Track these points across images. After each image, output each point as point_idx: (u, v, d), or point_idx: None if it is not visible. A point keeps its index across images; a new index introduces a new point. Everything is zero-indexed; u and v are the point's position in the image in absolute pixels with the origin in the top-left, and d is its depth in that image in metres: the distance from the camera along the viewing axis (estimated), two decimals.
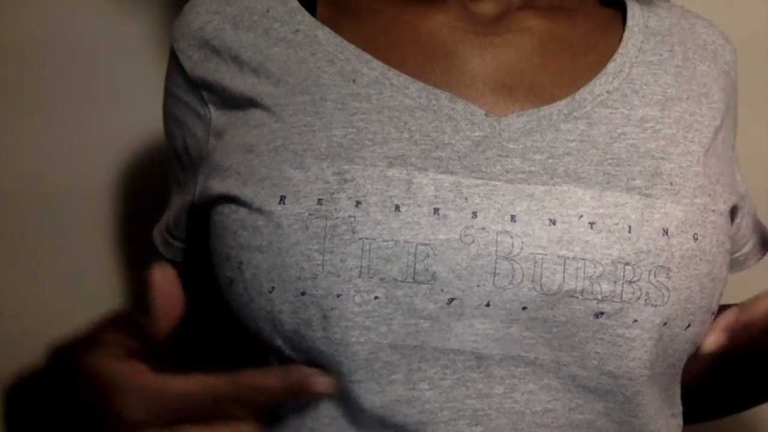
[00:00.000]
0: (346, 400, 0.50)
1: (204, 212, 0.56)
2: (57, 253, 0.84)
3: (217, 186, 0.54)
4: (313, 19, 0.58)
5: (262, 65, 0.56)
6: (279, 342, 0.51)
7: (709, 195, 0.54)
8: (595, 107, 0.54)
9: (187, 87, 0.59)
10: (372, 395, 0.49)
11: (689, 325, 0.52)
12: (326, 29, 0.57)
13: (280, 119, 0.54)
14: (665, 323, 0.51)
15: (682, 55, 0.60)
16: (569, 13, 0.60)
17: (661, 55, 0.59)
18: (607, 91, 0.56)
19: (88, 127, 0.83)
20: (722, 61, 0.61)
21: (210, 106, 0.57)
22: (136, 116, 0.81)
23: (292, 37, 0.57)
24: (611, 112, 0.55)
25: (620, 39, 0.59)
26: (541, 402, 0.50)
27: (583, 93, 0.55)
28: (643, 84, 0.57)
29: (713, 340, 0.52)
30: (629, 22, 0.60)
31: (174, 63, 0.60)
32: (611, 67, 0.57)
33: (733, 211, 0.59)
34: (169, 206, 0.63)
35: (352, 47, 0.56)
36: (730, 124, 0.62)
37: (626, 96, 0.56)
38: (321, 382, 0.45)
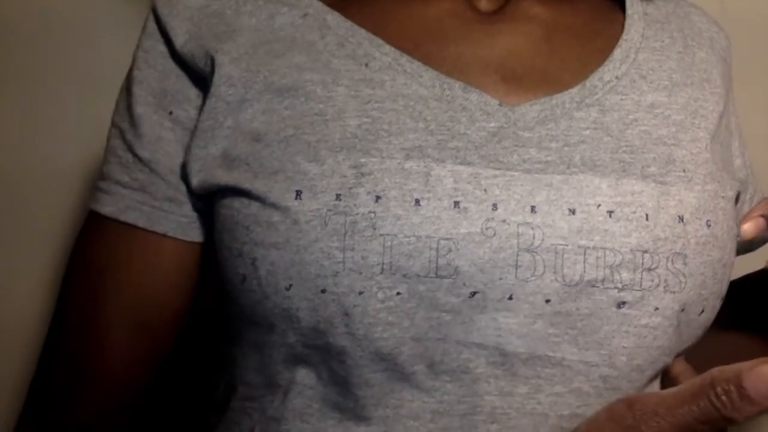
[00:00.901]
0: (367, 387, 0.50)
1: (206, 203, 0.55)
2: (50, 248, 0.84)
3: (224, 176, 0.52)
4: (321, 3, 0.57)
5: (269, 44, 0.54)
6: (293, 339, 0.51)
7: (718, 181, 0.55)
8: (606, 94, 0.55)
9: (181, 59, 0.56)
10: (393, 384, 0.50)
11: (702, 311, 0.53)
12: (336, 13, 0.56)
13: (290, 106, 0.52)
14: (683, 309, 0.52)
15: (682, 41, 0.60)
16: (571, 2, 0.60)
17: (663, 41, 0.59)
18: (617, 77, 0.56)
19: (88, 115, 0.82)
20: (719, 48, 0.62)
21: (205, 81, 0.55)
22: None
23: (301, 21, 0.56)
24: (622, 99, 0.55)
25: (622, 26, 0.59)
26: (570, 406, 0.50)
27: (593, 80, 0.55)
28: (649, 69, 0.57)
29: (752, 226, 0.54)
30: (629, 10, 0.60)
31: (160, 37, 0.57)
32: (618, 53, 0.57)
33: (736, 197, 0.60)
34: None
35: (362, 31, 0.55)
36: (730, 110, 0.63)
37: (635, 81, 0.56)
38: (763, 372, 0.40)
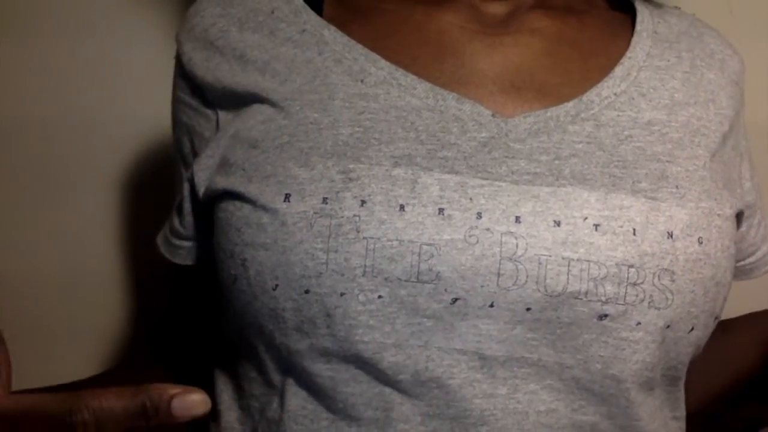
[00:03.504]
0: (351, 393, 0.50)
1: (209, 209, 0.56)
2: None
3: (222, 181, 0.54)
4: (319, 18, 0.58)
5: (268, 65, 0.56)
6: (282, 339, 0.51)
7: (715, 199, 0.54)
8: (602, 109, 0.54)
9: (191, 90, 0.59)
10: (379, 390, 0.50)
11: (692, 329, 0.52)
12: (332, 28, 0.57)
13: (288, 115, 0.54)
14: (668, 326, 0.51)
15: (689, 62, 0.60)
16: (579, 15, 0.60)
17: (668, 60, 0.59)
18: (615, 94, 0.56)
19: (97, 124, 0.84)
20: (730, 71, 0.61)
21: (215, 106, 0.58)
22: (142, 114, 0.82)
23: (299, 36, 0.57)
24: (618, 115, 0.55)
25: (629, 43, 0.59)
26: (545, 402, 0.51)
27: (591, 95, 0.55)
28: (650, 88, 0.57)
29: None
30: (638, 27, 0.60)
31: (178, 68, 0.60)
32: (619, 70, 0.57)
33: (738, 218, 0.59)
34: (174, 210, 0.62)
35: (359, 46, 0.56)
36: (740, 132, 0.62)
37: (633, 99, 0.56)
38: (188, 401, 0.38)
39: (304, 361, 0.51)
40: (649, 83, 0.57)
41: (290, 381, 0.53)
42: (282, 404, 0.53)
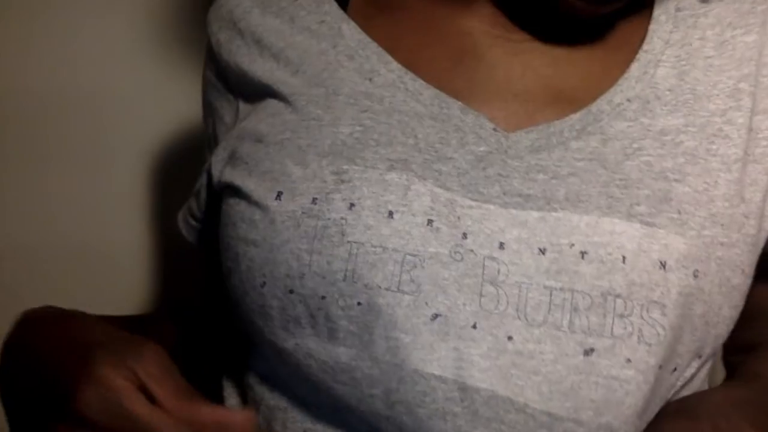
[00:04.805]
0: (333, 397, 0.50)
1: (220, 200, 0.57)
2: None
3: (229, 174, 0.55)
4: (340, 11, 0.57)
5: (282, 52, 0.56)
6: (272, 337, 0.51)
7: (722, 225, 0.50)
8: (612, 120, 0.51)
9: (217, 71, 0.60)
10: (355, 401, 0.49)
11: (675, 369, 0.50)
12: (351, 23, 0.56)
13: (294, 110, 0.54)
14: (660, 366, 0.48)
15: (716, 38, 0.54)
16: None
17: (691, 44, 0.54)
18: (628, 99, 0.52)
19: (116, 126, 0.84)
20: None
21: (236, 94, 0.58)
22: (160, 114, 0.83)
23: (317, 27, 0.57)
24: (629, 126, 0.51)
25: (647, 29, 0.55)
26: None
27: (602, 103, 0.52)
28: (667, 89, 0.53)
29: None
30: (656, 11, 0.56)
31: (209, 47, 0.61)
32: (635, 68, 0.53)
33: None
34: (193, 194, 0.63)
35: (374, 45, 0.55)
36: None
37: (648, 103, 0.52)
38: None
39: (290, 360, 0.51)
40: (666, 82, 0.53)
41: (281, 374, 0.53)
42: (282, 393, 0.54)
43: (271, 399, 0.54)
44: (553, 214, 0.49)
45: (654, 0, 0.56)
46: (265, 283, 0.50)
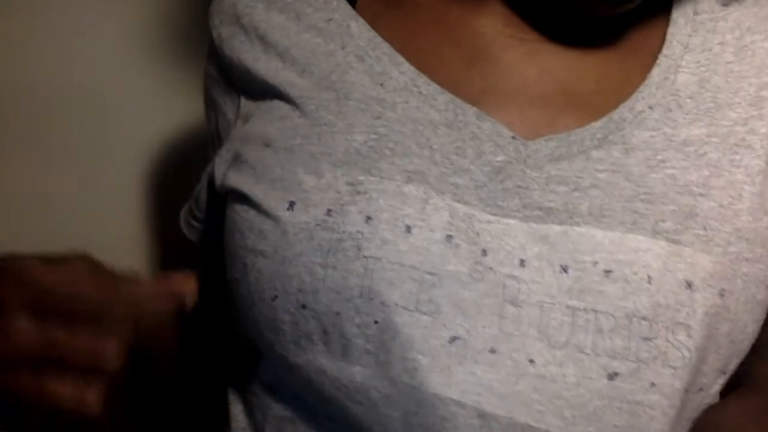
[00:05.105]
0: (346, 414, 0.48)
1: (223, 204, 0.55)
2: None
3: (234, 178, 0.53)
4: (349, 7, 0.55)
5: (288, 51, 0.54)
6: (282, 351, 0.50)
7: (747, 239, 0.49)
8: (634, 129, 0.49)
9: (219, 67, 0.58)
10: (370, 421, 0.47)
11: (701, 389, 0.48)
12: (361, 21, 0.54)
13: (303, 114, 0.51)
14: (686, 389, 0.46)
15: (736, 42, 0.53)
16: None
17: (711, 50, 0.52)
18: (650, 107, 0.50)
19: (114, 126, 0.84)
20: None
21: (239, 91, 0.56)
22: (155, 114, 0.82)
23: (324, 25, 0.54)
24: (651, 135, 0.49)
25: (665, 32, 0.53)
26: None
27: (623, 111, 0.50)
28: (688, 96, 0.51)
29: None
30: (674, 13, 0.54)
31: (211, 41, 0.58)
32: (656, 74, 0.51)
33: None
34: (193, 195, 0.62)
35: (385, 45, 0.53)
36: None
37: (670, 111, 0.50)
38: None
39: (301, 374, 0.49)
40: (687, 89, 0.51)
41: (291, 385, 0.51)
42: (292, 402, 0.52)
43: (279, 409, 0.53)
44: (576, 228, 0.47)
45: (670, 1, 0.54)
46: (276, 296, 0.48)
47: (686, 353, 0.46)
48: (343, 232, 0.47)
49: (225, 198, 0.55)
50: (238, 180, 0.52)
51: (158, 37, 0.82)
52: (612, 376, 0.45)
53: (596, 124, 0.50)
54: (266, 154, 0.51)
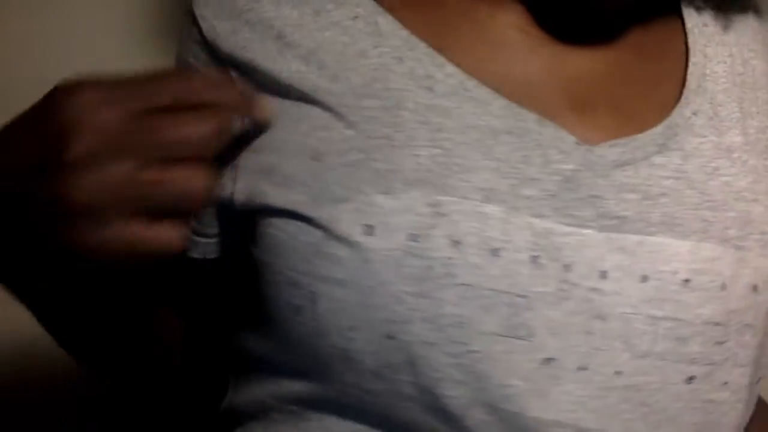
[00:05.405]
0: None
1: (247, 214, 0.49)
2: None
3: (277, 196, 0.47)
4: (373, 2, 0.50)
5: (313, 54, 0.49)
6: (354, 380, 0.47)
7: None
8: (686, 135, 0.50)
9: (210, 61, 0.51)
10: None
11: (759, 380, 0.51)
12: (389, 17, 0.49)
13: (351, 125, 0.47)
14: (750, 383, 0.49)
15: (740, 56, 0.54)
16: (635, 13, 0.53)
17: (725, 62, 0.53)
18: (694, 113, 0.51)
19: None
20: None
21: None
22: None
23: (350, 23, 0.49)
24: (701, 142, 0.50)
25: (683, 41, 0.53)
26: None
27: (675, 117, 0.50)
28: (718, 104, 0.52)
29: None
30: (688, 24, 0.54)
31: (193, 32, 0.52)
32: (692, 81, 0.51)
33: None
34: None
35: (422, 44, 0.49)
36: None
37: (711, 119, 0.51)
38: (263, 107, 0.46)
39: (379, 401, 0.47)
40: (718, 97, 0.52)
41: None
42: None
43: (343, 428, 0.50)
44: (651, 238, 0.47)
45: (679, 7, 0.54)
46: (354, 327, 0.45)
47: (751, 352, 0.49)
48: (432, 258, 0.45)
49: (244, 212, 0.49)
50: (284, 198, 0.47)
51: (158, 37, 0.79)
52: (689, 379, 0.47)
53: (656, 130, 0.49)
54: (318, 169, 0.47)
